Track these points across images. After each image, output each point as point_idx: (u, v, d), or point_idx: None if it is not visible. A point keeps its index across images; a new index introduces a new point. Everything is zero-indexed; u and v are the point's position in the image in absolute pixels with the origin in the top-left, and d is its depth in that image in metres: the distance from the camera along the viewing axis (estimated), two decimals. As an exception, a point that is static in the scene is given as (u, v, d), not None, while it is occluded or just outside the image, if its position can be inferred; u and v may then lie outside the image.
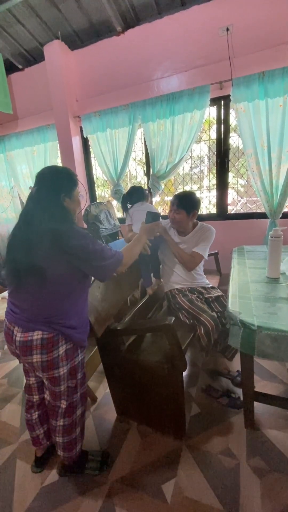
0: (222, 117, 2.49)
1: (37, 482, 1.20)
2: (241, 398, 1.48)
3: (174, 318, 1.19)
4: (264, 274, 1.50)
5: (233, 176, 2.72)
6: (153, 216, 1.36)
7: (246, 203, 2.84)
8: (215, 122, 2.54)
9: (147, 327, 1.29)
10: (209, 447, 1.28)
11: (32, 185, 1.04)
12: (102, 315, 1.29)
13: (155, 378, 1.27)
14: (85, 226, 2.77)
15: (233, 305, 1.18)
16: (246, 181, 2.78)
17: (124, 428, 1.43)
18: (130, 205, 2.18)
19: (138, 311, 1.58)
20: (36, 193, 1.01)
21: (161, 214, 1.79)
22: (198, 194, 1.80)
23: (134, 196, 2.17)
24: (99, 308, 1.28)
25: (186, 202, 1.64)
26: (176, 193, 1.74)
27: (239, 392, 1.55)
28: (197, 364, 1.85)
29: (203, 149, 2.82)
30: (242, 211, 2.81)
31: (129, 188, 2.29)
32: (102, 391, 1.70)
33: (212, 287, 1.78)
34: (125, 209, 2.21)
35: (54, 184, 1.01)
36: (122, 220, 3.11)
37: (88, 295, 1.13)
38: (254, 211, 2.72)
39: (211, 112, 2.54)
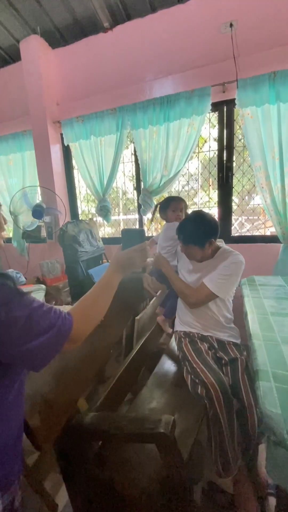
0: (225, 125, 2.14)
1: None
2: None
3: (173, 418, 0.72)
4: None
5: (238, 193, 2.34)
6: (137, 236, 0.76)
7: (253, 224, 2.45)
8: (216, 129, 2.19)
9: (130, 434, 0.78)
10: None
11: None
12: (59, 403, 0.80)
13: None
14: (59, 248, 2.30)
15: (269, 397, 0.71)
16: (253, 199, 2.41)
17: None
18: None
19: (119, 382, 1.08)
20: None
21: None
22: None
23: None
24: (50, 394, 0.79)
25: (195, 235, 1.22)
26: (179, 224, 1.28)
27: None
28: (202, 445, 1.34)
29: (203, 162, 2.45)
30: (248, 233, 2.42)
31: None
32: (65, 493, 1.17)
33: (235, 345, 1.30)
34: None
35: None
36: (106, 241, 2.66)
37: (23, 386, 0.64)
38: (263, 233, 2.33)
39: (212, 119, 2.20)
